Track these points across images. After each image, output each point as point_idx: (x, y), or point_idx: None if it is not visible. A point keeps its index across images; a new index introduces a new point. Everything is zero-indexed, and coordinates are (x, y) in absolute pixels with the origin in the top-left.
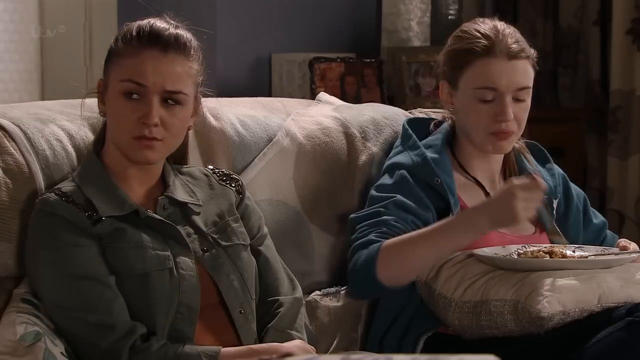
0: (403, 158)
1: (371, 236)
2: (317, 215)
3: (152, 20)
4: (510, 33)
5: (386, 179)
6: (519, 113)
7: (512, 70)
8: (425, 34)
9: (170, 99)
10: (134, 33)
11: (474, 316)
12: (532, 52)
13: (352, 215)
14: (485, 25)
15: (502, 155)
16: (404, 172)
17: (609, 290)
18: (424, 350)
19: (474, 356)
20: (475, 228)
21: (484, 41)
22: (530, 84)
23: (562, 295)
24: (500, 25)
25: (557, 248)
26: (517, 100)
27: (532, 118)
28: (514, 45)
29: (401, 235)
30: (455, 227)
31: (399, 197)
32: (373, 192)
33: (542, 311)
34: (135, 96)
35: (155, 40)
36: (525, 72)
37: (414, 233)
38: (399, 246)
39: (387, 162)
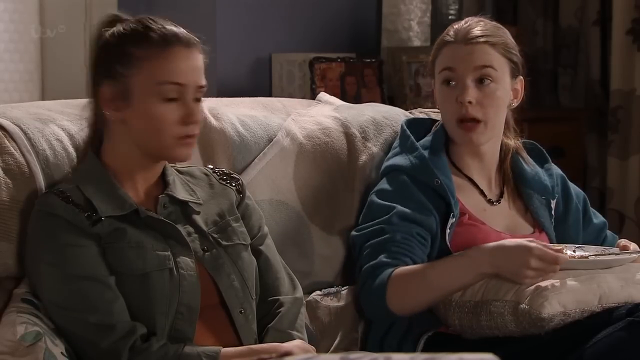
0: (401, 160)
1: (381, 258)
2: (317, 216)
3: (151, 20)
4: (479, 24)
5: (385, 184)
6: (483, 99)
7: (468, 53)
8: (425, 34)
9: (199, 94)
10: (153, 35)
11: (474, 316)
12: (502, 41)
13: (354, 233)
14: (462, 21)
15: (496, 154)
16: (403, 176)
17: (609, 290)
18: (425, 350)
19: (474, 355)
20: (480, 274)
21: (451, 32)
22: (493, 63)
23: (562, 296)
24: (475, 19)
25: (558, 248)
26: (480, 82)
27: (532, 118)
28: (474, 32)
29: (411, 267)
30: (460, 269)
31: (399, 208)
32: (374, 198)
33: (543, 312)
34: (173, 96)
35: (176, 38)
36: (484, 53)
37: (422, 268)
38: (408, 279)
39: (385, 164)
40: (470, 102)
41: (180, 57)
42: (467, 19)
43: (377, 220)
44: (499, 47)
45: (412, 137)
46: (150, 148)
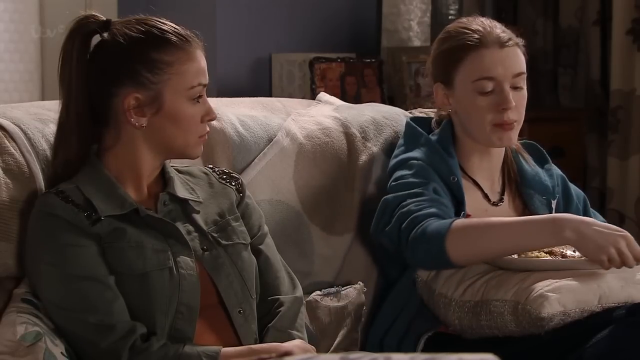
0: (417, 154)
1: (432, 209)
2: (317, 216)
3: (155, 20)
4: (495, 24)
5: (404, 171)
6: (518, 101)
7: (505, 58)
8: (425, 34)
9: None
10: (171, 37)
11: (474, 316)
12: (520, 40)
13: (387, 196)
14: (470, 22)
15: (502, 155)
16: (421, 162)
17: (609, 290)
18: (425, 350)
19: (473, 355)
20: (560, 239)
21: (474, 35)
22: (525, 69)
23: (562, 296)
24: (485, 19)
25: (558, 248)
26: (514, 88)
27: (532, 118)
28: (502, 34)
29: (477, 219)
30: (541, 226)
31: (432, 183)
32: (396, 182)
33: (542, 312)
34: (198, 97)
35: (192, 38)
36: (518, 58)
37: (494, 220)
38: (474, 229)
39: (397, 159)
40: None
41: (200, 56)
42: (470, 20)
43: (413, 188)
44: (521, 47)
45: (425, 133)
46: (174, 148)
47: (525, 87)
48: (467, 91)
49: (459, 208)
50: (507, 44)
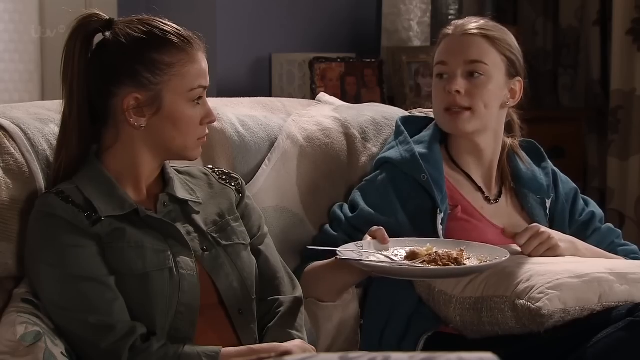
0: (393, 153)
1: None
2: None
3: (157, 20)
4: (479, 21)
5: (370, 176)
6: (472, 89)
7: (461, 45)
8: (425, 34)
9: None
10: (173, 38)
11: (475, 312)
12: (499, 37)
13: (335, 207)
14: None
15: (496, 153)
16: (383, 175)
17: (609, 289)
18: (425, 350)
19: (473, 354)
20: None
21: (450, 26)
22: (486, 60)
23: (562, 293)
24: (478, 18)
25: (457, 254)
26: (470, 74)
27: (532, 118)
28: (471, 25)
29: (317, 264)
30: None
31: (363, 207)
32: (356, 190)
33: (543, 309)
34: (199, 99)
35: (194, 40)
36: (477, 46)
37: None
38: (313, 273)
39: (378, 157)
40: (458, 92)
41: (201, 58)
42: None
43: (345, 211)
44: (493, 41)
45: (406, 132)
46: (173, 149)
47: (487, 80)
48: (433, 77)
49: (435, 204)
50: (468, 32)
